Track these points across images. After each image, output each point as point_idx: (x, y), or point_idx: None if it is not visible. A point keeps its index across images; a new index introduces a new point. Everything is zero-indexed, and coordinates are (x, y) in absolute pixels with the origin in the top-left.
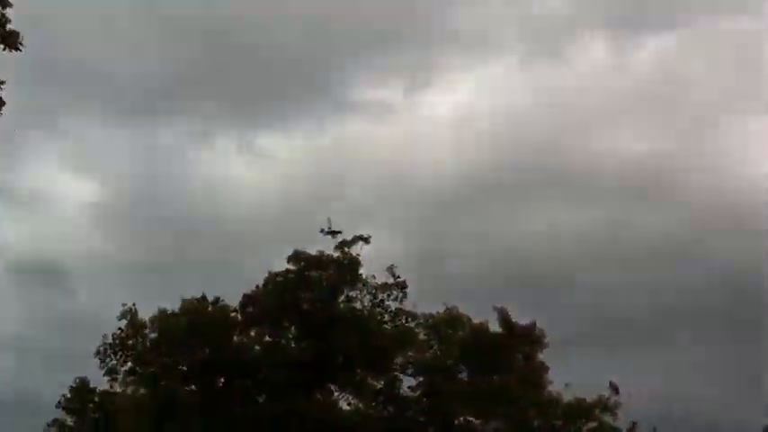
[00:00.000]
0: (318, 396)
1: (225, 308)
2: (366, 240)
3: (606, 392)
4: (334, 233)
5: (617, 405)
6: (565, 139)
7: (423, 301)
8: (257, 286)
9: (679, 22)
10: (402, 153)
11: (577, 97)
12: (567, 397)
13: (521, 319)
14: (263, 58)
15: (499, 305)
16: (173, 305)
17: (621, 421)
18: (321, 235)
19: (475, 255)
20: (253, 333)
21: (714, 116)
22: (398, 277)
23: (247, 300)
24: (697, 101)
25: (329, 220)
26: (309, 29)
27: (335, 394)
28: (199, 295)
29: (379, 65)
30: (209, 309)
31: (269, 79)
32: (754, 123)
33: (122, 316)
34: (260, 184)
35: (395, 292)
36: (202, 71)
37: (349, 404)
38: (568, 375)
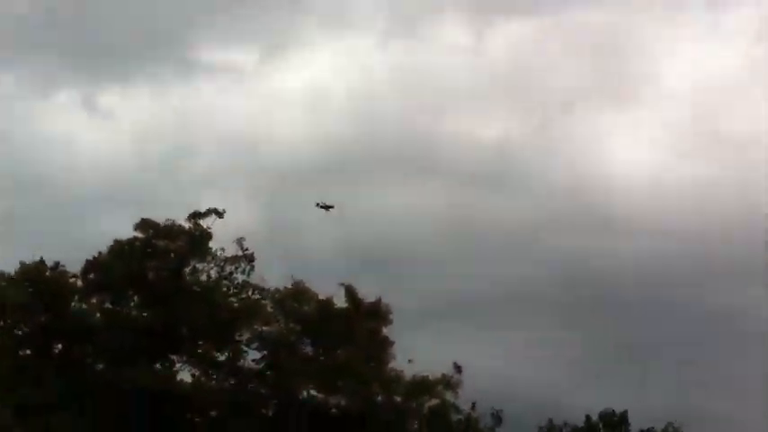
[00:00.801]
0: (159, 366)
1: (65, 273)
2: (220, 214)
3: (450, 371)
4: (327, 207)
5: (459, 383)
6: (420, 120)
7: (273, 275)
8: (100, 252)
9: (537, 10)
10: (255, 122)
11: (434, 78)
12: (411, 373)
13: (369, 295)
14: (112, 13)
15: (347, 281)
16: (9, 267)
17: (462, 399)
18: (171, 203)
19: (326, 230)
20: (94, 300)
21: (568, 107)
22: (247, 250)
23: (90, 266)
24: (552, 90)
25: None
26: None
27: (178, 365)
28: (36, 258)
29: (235, 30)
30: (48, 273)
31: (117, 35)
32: (607, 117)
33: None
34: (104, 145)
35: (242, 265)
36: (44, 23)
37: (192, 375)
38: (415, 352)
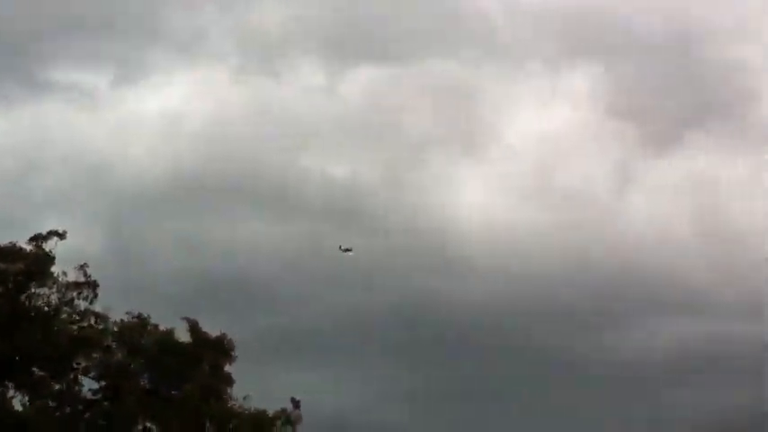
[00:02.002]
0: None
1: None
2: (61, 236)
3: (288, 406)
4: (347, 250)
5: (299, 419)
6: (272, 155)
7: (117, 303)
8: None
9: (391, 56)
10: (105, 145)
11: (287, 115)
12: (251, 408)
13: (214, 328)
14: None
15: (192, 313)
16: None
17: None
18: (14, 224)
19: (174, 259)
20: None
21: (416, 152)
22: (90, 276)
23: None
24: (402, 135)
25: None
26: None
27: (11, 391)
28: None
29: (88, 51)
30: None
31: None
32: (453, 164)
33: None
34: None
35: (85, 292)
36: None
37: (23, 405)
38: (257, 387)
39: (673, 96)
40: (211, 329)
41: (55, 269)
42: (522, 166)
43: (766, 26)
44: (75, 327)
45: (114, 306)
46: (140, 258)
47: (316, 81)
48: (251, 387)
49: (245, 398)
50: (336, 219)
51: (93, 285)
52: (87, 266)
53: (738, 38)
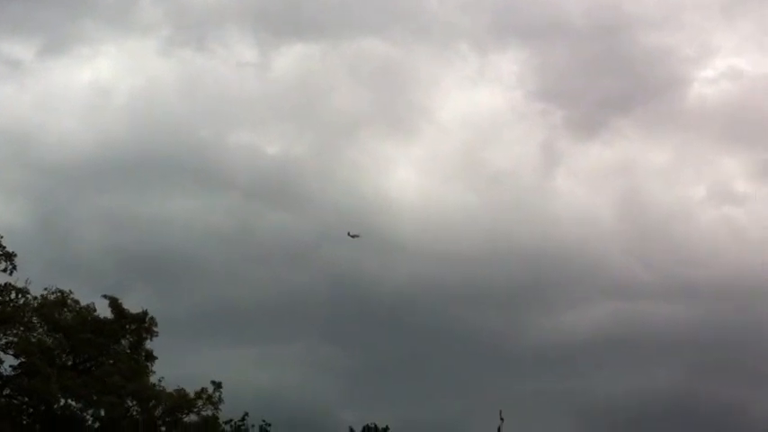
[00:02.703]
0: None
1: None
2: None
3: (209, 387)
4: (354, 236)
5: (220, 400)
6: (202, 130)
7: (40, 277)
8: None
9: (326, 34)
10: (29, 117)
11: (218, 91)
12: (171, 388)
13: (138, 304)
14: None
15: (117, 288)
16: None
17: (231, 412)
18: None
19: (100, 234)
20: None
21: (347, 131)
22: (5, 247)
23: None
24: (333, 114)
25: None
26: None
27: None
28: None
29: (13, 22)
30: None
31: None
32: (384, 142)
33: None
34: None
35: (3, 264)
36: None
37: None
38: (179, 365)
39: (599, 81)
40: (136, 305)
41: None
42: (450, 145)
43: (692, 15)
44: None
45: (39, 281)
46: (65, 233)
47: (248, 56)
48: (179, 363)
49: (160, 380)
50: (268, 196)
51: (9, 257)
52: (2, 237)
53: (665, 26)
